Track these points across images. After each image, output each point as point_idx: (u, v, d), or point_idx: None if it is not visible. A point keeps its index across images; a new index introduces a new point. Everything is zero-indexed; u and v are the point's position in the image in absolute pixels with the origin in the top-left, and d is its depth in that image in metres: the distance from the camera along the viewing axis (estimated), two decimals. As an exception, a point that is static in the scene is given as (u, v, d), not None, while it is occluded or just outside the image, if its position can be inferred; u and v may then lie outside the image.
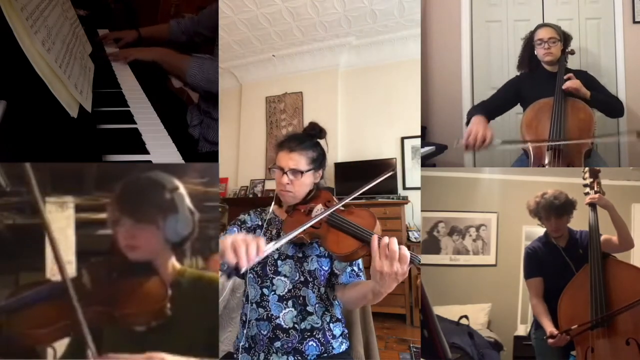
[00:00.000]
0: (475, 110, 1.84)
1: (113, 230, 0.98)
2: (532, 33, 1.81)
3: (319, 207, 1.23)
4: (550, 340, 1.43)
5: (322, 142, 1.37)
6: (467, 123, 1.79)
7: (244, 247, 0.94)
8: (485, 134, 1.64)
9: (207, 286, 1.03)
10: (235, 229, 1.34)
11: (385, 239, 1.01)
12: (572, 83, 1.66)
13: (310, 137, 1.34)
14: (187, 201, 1.01)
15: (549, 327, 1.47)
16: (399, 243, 1.01)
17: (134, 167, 1.16)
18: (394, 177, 4.07)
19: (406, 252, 0.99)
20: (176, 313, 0.97)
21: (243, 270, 0.95)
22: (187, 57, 1.81)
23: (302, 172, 1.27)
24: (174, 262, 1.02)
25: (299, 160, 1.27)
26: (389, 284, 1.02)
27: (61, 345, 0.95)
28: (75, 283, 0.91)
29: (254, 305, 1.25)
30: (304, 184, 1.29)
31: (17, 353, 0.93)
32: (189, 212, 1.01)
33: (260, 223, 1.36)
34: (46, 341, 0.94)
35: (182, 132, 1.90)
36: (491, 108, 1.84)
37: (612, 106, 1.77)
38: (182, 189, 1.01)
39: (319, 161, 1.32)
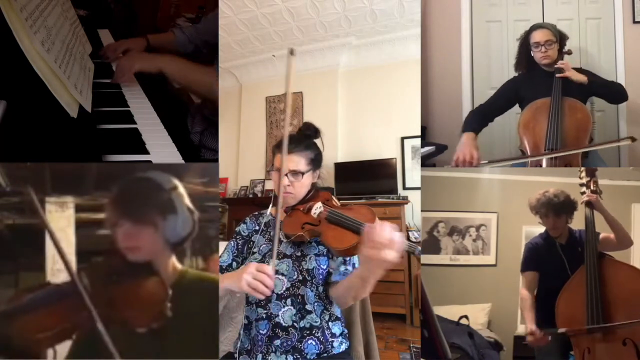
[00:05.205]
0: (472, 116, 1.85)
1: (112, 231, 0.98)
2: (528, 34, 1.81)
3: (318, 205, 1.24)
4: (528, 338, 1.44)
5: (317, 141, 1.37)
6: (462, 129, 1.80)
7: (260, 284, 1.03)
8: (472, 155, 1.69)
9: (208, 287, 1.03)
10: (232, 242, 1.35)
11: (376, 224, 0.99)
12: (567, 72, 1.68)
13: (306, 138, 1.35)
14: (187, 200, 1.01)
15: (530, 324, 1.48)
16: None
17: (134, 167, 1.16)
18: (394, 177, 4.07)
19: (396, 238, 0.95)
20: (177, 314, 0.97)
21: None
22: (213, 70, 1.67)
23: (302, 173, 1.27)
24: (174, 263, 1.02)
25: (298, 161, 1.28)
26: (376, 269, 1.01)
27: (62, 347, 0.96)
28: (75, 286, 0.91)
29: (254, 305, 1.25)
30: (303, 185, 1.30)
31: (19, 356, 0.93)
32: (188, 211, 1.01)
33: (257, 228, 1.36)
34: (47, 345, 0.94)
35: (182, 132, 1.89)
36: (489, 110, 1.85)
37: (612, 89, 1.77)
38: (181, 188, 1.01)
39: (317, 161, 1.33)
